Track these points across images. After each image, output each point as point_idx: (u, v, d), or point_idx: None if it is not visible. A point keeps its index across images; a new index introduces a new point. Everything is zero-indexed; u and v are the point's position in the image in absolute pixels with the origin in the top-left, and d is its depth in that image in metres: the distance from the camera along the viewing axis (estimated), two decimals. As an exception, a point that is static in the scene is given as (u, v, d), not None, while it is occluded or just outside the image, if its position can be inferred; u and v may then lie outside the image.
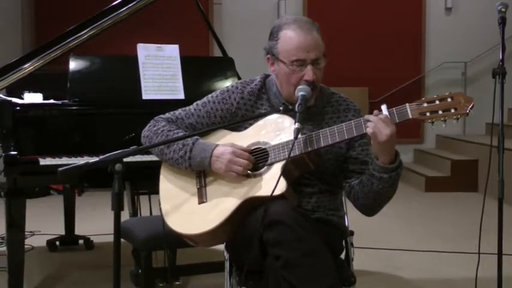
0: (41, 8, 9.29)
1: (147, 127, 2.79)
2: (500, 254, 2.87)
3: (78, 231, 5.35)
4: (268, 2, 9.64)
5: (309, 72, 2.59)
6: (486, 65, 9.75)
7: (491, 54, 9.57)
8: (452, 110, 2.40)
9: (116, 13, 4.19)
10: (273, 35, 2.67)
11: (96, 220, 6.17)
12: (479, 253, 3.10)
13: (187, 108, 2.81)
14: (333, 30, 9.07)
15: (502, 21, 2.97)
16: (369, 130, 2.42)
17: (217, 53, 5.21)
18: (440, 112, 2.41)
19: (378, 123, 2.40)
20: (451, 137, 9.50)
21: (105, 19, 4.17)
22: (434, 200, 7.80)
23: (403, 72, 9.82)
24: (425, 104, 2.42)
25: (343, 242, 2.84)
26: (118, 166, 2.29)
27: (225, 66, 4.43)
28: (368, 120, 2.43)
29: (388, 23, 9.89)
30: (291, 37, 2.61)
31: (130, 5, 4.22)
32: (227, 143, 2.62)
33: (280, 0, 9.63)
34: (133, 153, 2.38)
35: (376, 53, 9.86)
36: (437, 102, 2.42)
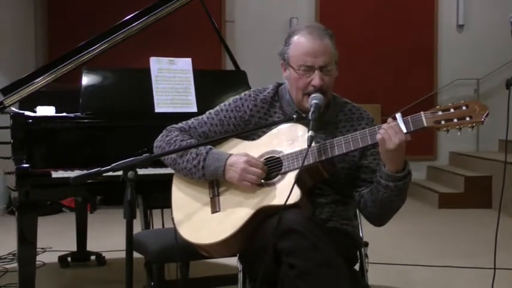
0: (54, 26, 9.33)
1: (159, 137, 2.79)
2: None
3: (90, 247, 5.32)
4: (280, 19, 9.64)
5: (315, 78, 2.59)
6: (498, 81, 9.69)
7: (504, 71, 9.51)
8: (468, 118, 2.38)
9: (128, 27, 4.19)
10: (286, 40, 2.70)
11: (108, 236, 6.15)
12: (494, 268, 3.06)
13: (200, 117, 2.80)
14: (345, 48, 8.97)
15: (515, 33, 2.96)
16: (378, 136, 2.40)
17: (229, 67, 5.22)
18: (455, 120, 2.38)
19: (389, 130, 2.39)
20: (464, 154, 9.44)
21: (117, 33, 4.17)
22: (448, 217, 7.73)
23: (416, 89, 9.81)
24: (440, 112, 2.40)
25: (357, 253, 2.81)
26: (130, 174, 2.27)
27: (238, 79, 4.41)
28: (380, 128, 2.42)
29: (401, 40, 9.87)
30: (300, 42, 2.63)
31: (142, 20, 4.24)
32: (240, 152, 2.60)
33: (292, 18, 9.64)
34: (146, 161, 2.37)
35: (389, 70, 9.85)
36: (452, 110, 2.40)
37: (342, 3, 9.86)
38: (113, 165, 2.33)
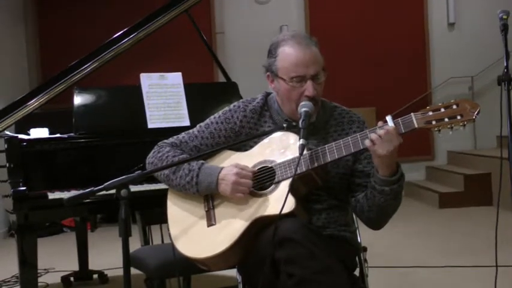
0: (46, 45, 9.33)
1: (151, 153, 2.78)
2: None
3: (92, 265, 5.31)
4: (270, 28, 9.61)
5: (309, 88, 2.57)
6: (492, 78, 9.56)
7: (497, 67, 9.49)
8: (459, 117, 2.39)
9: (118, 44, 4.21)
10: (272, 52, 2.67)
11: (109, 254, 6.13)
12: (496, 266, 3.05)
13: (190, 131, 2.79)
14: (336, 52, 9.08)
15: (504, 28, 2.98)
16: (367, 143, 2.40)
17: (222, 79, 5.23)
18: (446, 120, 2.39)
19: (384, 136, 2.38)
20: (462, 152, 9.44)
21: (107, 51, 4.19)
22: (449, 216, 7.71)
23: (410, 90, 9.78)
24: (430, 113, 2.40)
25: (357, 258, 2.80)
26: (123, 192, 2.27)
27: (229, 90, 4.41)
28: (373, 132, 2.42)
29: (392, 42, 9.85)
30: (289, 53, 2.60)
31: (131, 36, 4.25)
32: (232, 163, 2.60)
33: (282, 26, 9.63)
34: (138, 178, 2.37)
35: (382, 72, 9.83)
36: (442, 110, 2.41)
37: (331, 8, 9.85)
38: (105, 184, 2.33)
